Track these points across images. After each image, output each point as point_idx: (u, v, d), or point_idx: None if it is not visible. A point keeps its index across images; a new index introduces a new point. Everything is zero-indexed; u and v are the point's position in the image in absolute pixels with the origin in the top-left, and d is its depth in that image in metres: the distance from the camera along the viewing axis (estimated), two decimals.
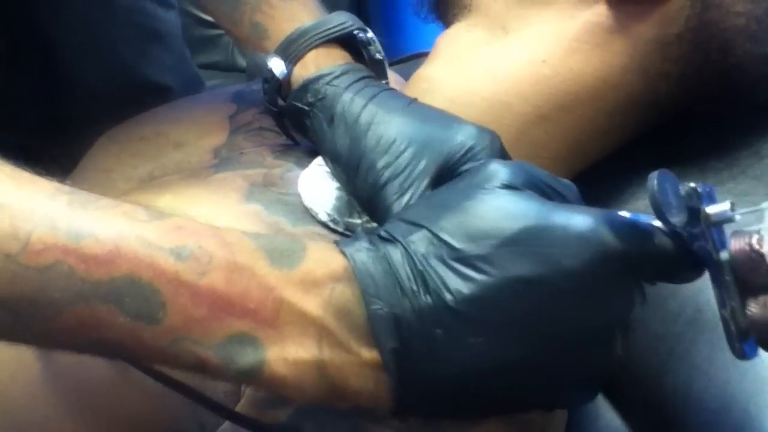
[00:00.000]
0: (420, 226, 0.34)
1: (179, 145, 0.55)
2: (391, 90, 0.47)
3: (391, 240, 0.34)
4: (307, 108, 0.47)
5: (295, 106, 0.48)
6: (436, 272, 0.32)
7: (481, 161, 0.40)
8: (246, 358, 0.31)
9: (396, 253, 0.33)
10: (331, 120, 0.45)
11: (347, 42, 0.50)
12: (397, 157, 0.42)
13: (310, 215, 0.44)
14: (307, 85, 0.47)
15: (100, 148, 0.59)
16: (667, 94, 0.51)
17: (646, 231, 0.33)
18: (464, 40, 0.54)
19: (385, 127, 0.43)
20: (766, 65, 0.51)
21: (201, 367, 0.32)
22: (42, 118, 0.86)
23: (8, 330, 0.32)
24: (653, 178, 0.31)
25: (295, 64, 0.49)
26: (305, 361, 0.32)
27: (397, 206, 0.41)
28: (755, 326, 0.31)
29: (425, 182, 0.41)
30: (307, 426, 0.36)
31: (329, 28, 0.49)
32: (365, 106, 0.45)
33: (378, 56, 0.51)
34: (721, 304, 0.32)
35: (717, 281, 0.32)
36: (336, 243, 0.35)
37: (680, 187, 0.32)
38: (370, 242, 0.34)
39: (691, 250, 0.32)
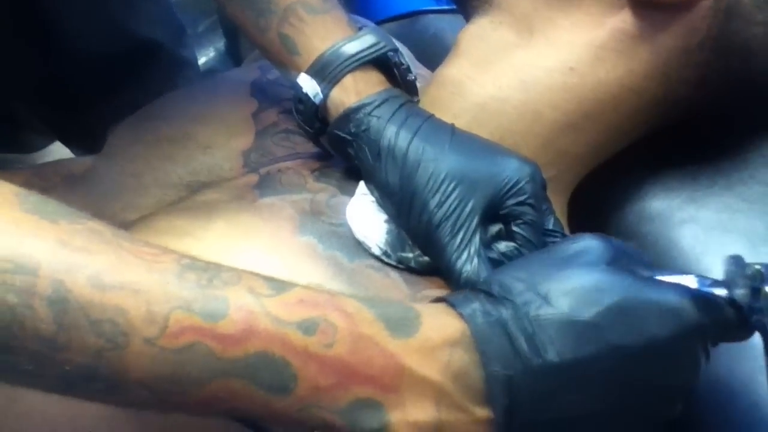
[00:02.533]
0: (527, 289, 0.37)
1: (207, 147, 0.55)
2: (432, 120, 0.48)
3: (501, 301, 0.37)
4: (350, 138, 0.48)
5: (337, 135, 0.49)
6: (546, 334, 0.35)
7: (543, 210, 0.45)
8: (370, 421, 0.34)
9: (508, 316, 0.36)
10: (377, 154, 0.47)
11: (381, 62, 0.50)
12: (448, 197, 0.44)
13: (362, 248, 0.46)
14: (348, 115, 0.48)
15: (123, 149, 0.58)
16: (687, 98, 0.54)
17: (717, 304, 0.37)
18: (491, 41, 0.54)
19: (435, 165, 0.45)
20: None
21: (326, 429, 0.34)
22: (37, 83, 0.84)
23: (146, 404, 0.34)
24: (728, 262, 0.37)
25: (332, 87, 0.49)
26: (425, 422, 0.35)
27: (451, 247, 0.44)
28: None
29: (475, 221, 0.44)
30: None
31: (364, 50, 0.49)
32: (411, 141, 0.46)
33: (410, 77, 0.52)
34: None
35: None
36: (448, 303, 0.37)
37: (747, 268, 0.36)
38: (481, 302, 0.37)
39: (746, 319, 0.36)
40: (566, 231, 0.52)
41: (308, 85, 0.50)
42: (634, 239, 0.54)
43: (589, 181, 0.55)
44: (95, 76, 0.82)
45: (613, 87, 0.52)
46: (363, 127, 0.47)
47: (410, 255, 0.46)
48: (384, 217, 0.47)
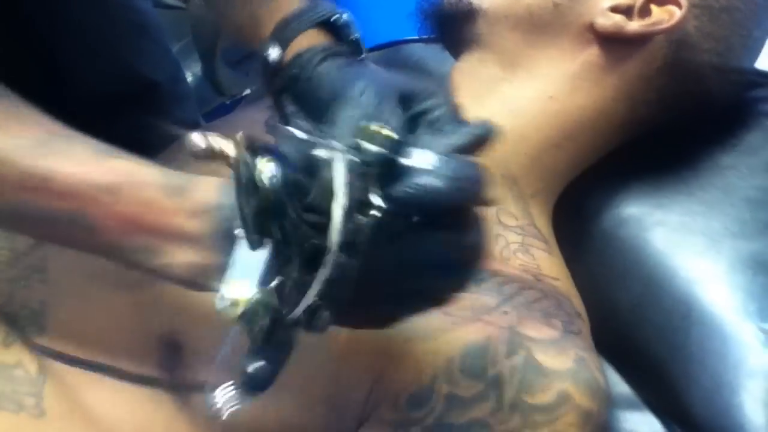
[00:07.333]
0: None
1: None
2: (367, 60, 0.54)
3: None
4: (297, 72, 0.52)
5: (286, 74, 0.53)
6: None
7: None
8: (153, 260, 0.42)
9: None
10: (314, 81, 0.51)
11: (329, 26, 0.55)
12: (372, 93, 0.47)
13: None
14: (296, 59, 0.52)
15: None
16: (649, 117, 0.63)
17: None
18: (481, 76, 0.62)
19: (366, 81, 0.47)
20: (728, 87, 0.63)
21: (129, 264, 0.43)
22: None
23: None
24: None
25: (286, 47, 0.54)
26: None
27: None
28: None
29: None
30: None
31: (313, 14, 0.54)
32: (346, 69, 0.51)
33: (353, 37, 0.56)
34: None
35: None
36: None
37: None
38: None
39: None
40: (552, 236, 0.61)
41: (268, 49, 0.54)
42: (613, 241, 0.62)
43: (570, 191, 0.64)
44: (96, 110, 0.85)
45: (587, 110, 0.61)
46: (308, 66, 0.52)
47: None
48: None
